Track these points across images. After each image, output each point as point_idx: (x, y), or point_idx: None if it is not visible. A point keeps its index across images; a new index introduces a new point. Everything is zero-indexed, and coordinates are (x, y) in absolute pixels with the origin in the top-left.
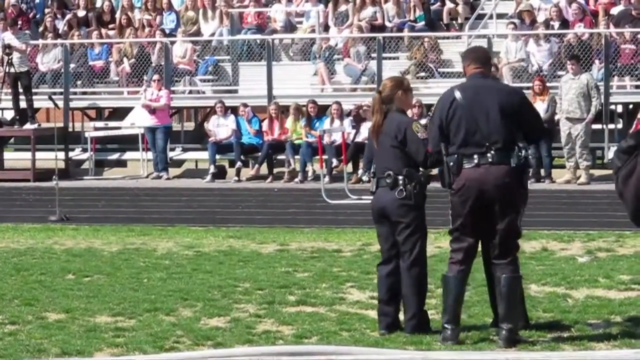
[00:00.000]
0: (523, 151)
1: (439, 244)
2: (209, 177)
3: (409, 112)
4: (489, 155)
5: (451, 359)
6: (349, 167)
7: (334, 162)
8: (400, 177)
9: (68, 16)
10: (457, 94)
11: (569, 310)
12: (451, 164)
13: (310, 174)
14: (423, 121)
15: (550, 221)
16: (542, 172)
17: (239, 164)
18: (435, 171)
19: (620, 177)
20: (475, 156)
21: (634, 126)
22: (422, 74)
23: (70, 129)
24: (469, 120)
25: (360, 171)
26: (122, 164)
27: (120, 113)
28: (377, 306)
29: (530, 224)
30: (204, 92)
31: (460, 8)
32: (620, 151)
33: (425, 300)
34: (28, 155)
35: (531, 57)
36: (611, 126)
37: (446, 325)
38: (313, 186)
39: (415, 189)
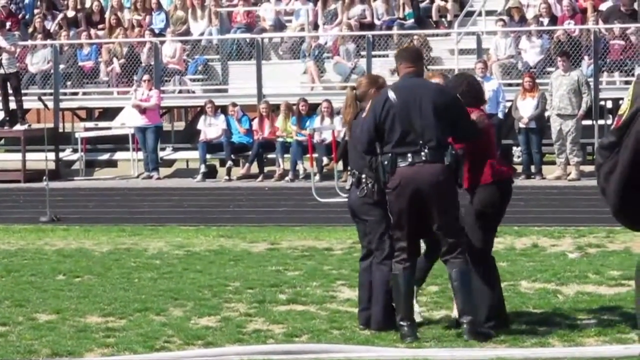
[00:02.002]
0: (455, 151)
1: None
2: (199, 177)
3: None
4: (422, 153)
5: (442, 357)
6: (340, 165)
7: (325, 160)
8: (363, 176)
9: (59, 17)
10: (391, 94)
11: (559, 307)
12: (385, 162)
13: (301, 172)
14: None
15: (540, 217)
16: (533, 168)
17: (229, 163)
18: None
19: (602, 173)
20: (409, 155)
21: (615, 122)
22: None
23: (60, 130)
24: (403, 119)
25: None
26: (112, 164)
27: (110, 113)
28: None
29: (520, 220)
30: (193, 92)
31: (449, 5)
32: (601, 147)
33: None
34: (18, 156)
35: (523, 54)
36: (601, 122)
37: (402, 323)
38: (304, 185)
39: (374, 187)
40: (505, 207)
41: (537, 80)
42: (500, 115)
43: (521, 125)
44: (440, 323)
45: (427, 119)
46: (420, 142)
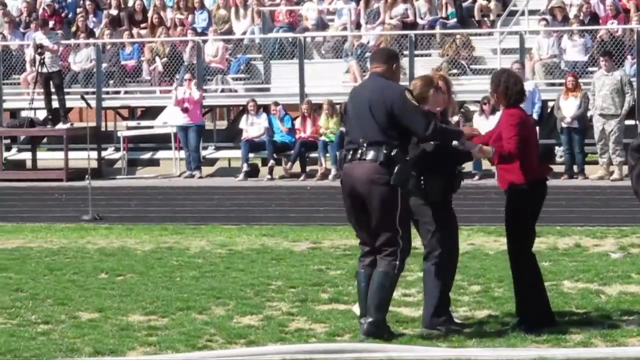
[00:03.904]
0: (394, 149)
1: (471, 240)
2: (241, 176)
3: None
4: (359, 151)
5: (484, 356)
6: None
7: None
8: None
9: (102, 16)
10: (350, 95)
11: (602, 306)
12: (339, 159)
13: None
14: (455, 118)
15: (583, 217)
16: (575, 168)
17: (271, 162)
18: None
19: (633, 176)
20: (351, 152)
21: None
22: (455, 70)
23: (102, 129)
24: (350, 119)
25: None
26: (154, 163)
27: (152, 112)
28: None
29: (563, 220)
30: (236, 91)
31: (492, 5)
32: (632, 149)
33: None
34: (61, 155)
35: (565, 52)
36: None
37: (361, 321)
38: None
39: (430, 188)
40: (540, 207)
41: (580, 80)
42: (534, 116)
43: (564, 124)
44: (482, 323)
45: (363, 118)
46: (360, 140)
